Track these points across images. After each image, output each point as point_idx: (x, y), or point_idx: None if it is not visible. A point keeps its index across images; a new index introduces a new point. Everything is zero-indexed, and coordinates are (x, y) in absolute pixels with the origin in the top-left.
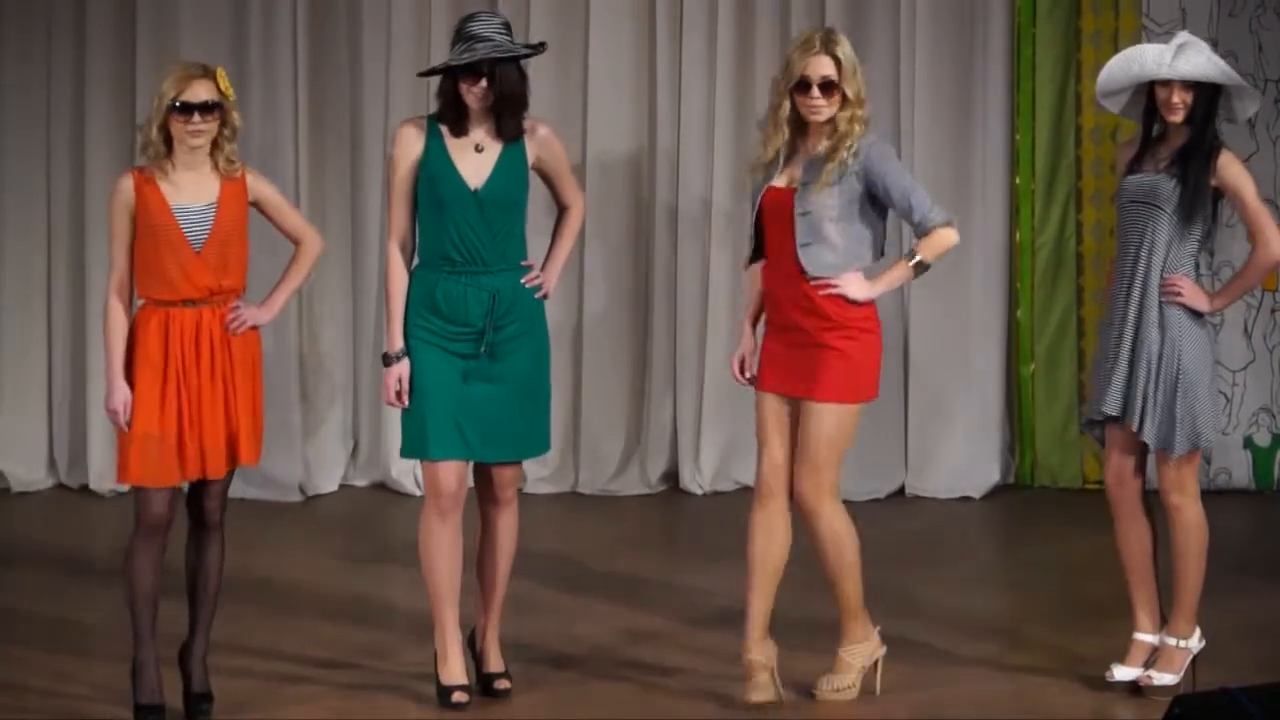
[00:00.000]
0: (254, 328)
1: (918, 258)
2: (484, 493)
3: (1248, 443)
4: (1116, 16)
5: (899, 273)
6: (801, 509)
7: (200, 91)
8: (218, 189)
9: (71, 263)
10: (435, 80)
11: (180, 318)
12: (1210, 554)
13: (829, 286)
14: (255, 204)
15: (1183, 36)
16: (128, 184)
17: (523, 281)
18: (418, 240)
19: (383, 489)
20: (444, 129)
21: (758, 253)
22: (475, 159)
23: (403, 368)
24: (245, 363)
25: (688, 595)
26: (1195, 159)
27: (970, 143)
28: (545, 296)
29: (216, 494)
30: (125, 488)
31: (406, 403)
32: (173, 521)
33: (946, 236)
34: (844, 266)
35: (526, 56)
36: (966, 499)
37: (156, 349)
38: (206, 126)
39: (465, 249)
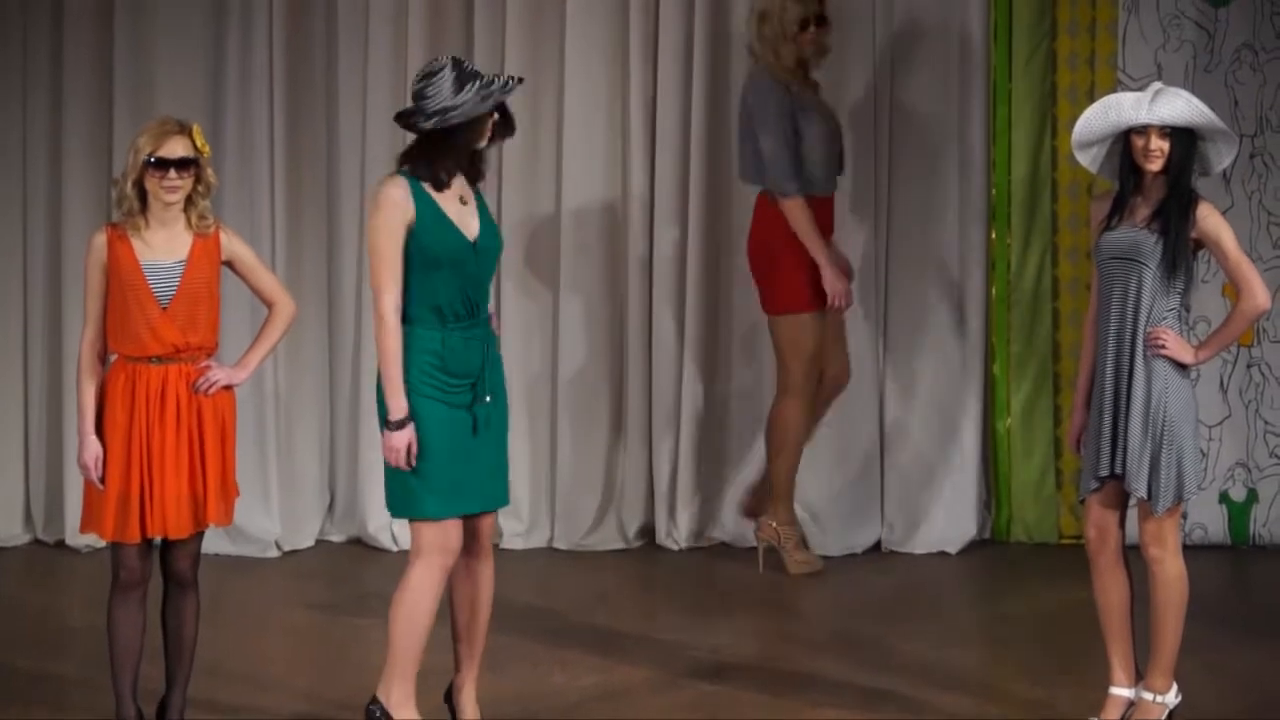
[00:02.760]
0: (227, 388)
1: None
2: (465, 544)
3: (1223, 498)
4: (1093, 72)
5: None
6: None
7: (176, 147)
8: (189, 246)
9: (48, 319)
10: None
11: (147, 374)
12: (1186, 609)
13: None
14: (229, 263)
15: (1159, 85)
16: (101, 240)
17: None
18: (408, 300)
19: (359, 544)
20: (425, 185)
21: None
22: (462, 211)
23: (411, 432)
24: (215, 422)
25: (665, 650)
26: (1175, 212)
27: (947, 197)
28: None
29: (187, 554)
30: (102, 543)
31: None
32: (148, 577)
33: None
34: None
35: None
36: (943, 554)
37: (123, 405)
38: (182, 182)
39: (469, 302)
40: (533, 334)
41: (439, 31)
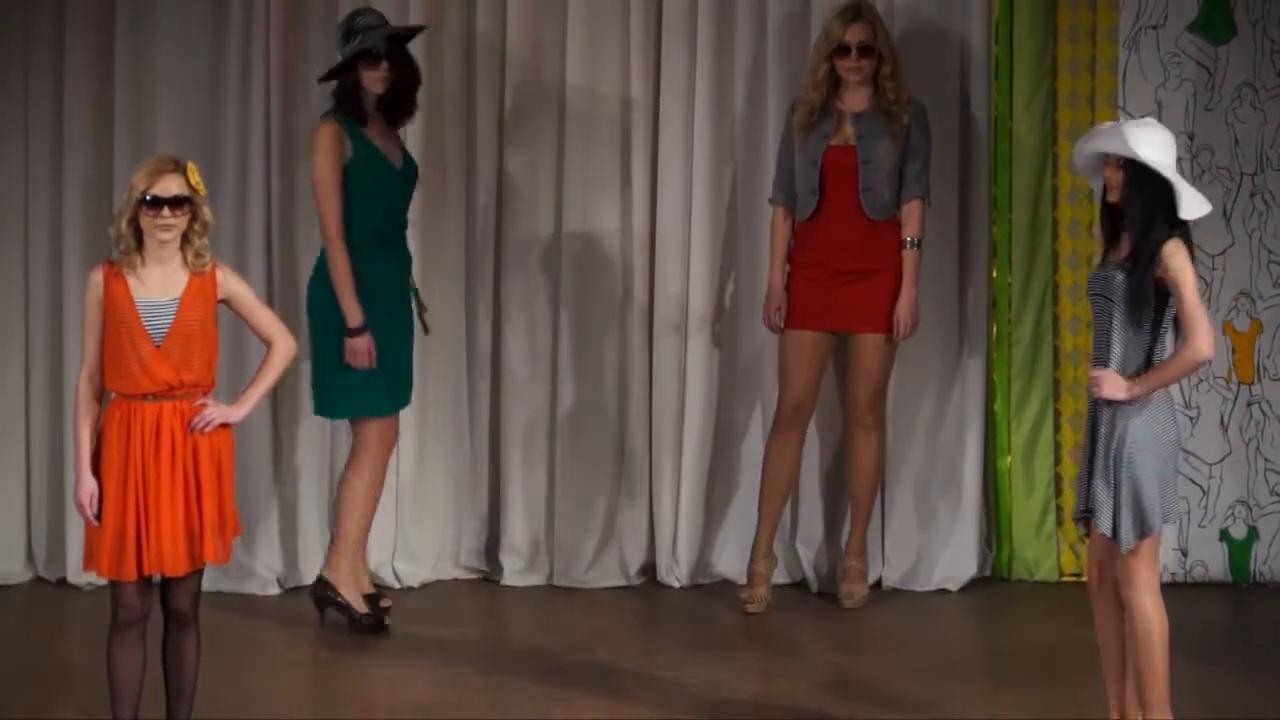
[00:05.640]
0: (224, 425)
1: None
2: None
3: (1224, 535)
4: (1093, 111)
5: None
6: (861, 426)
7: (170, 185)
8: (185, 283)
9: (49, 358)
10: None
11: (141, 412)
12: (1186, 646)
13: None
14: (226, 301)
15: (1143, 119)
16: (98, 277)
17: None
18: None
19: None
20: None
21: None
22: (388, 144)
23: (370, 337)
24: (211, 460)
25: (665, 688)
26: (1143, 251)
27: (948, 235)
28: None
29: (186, 591)
30: (103, 581)
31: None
32: (147, 615)
33: (916, 209)
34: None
35: (411, 33)
36: (944, 592)
37: (118, 443)
38: (175, 221)
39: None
40: (533, 366)
41: (435, 74)
